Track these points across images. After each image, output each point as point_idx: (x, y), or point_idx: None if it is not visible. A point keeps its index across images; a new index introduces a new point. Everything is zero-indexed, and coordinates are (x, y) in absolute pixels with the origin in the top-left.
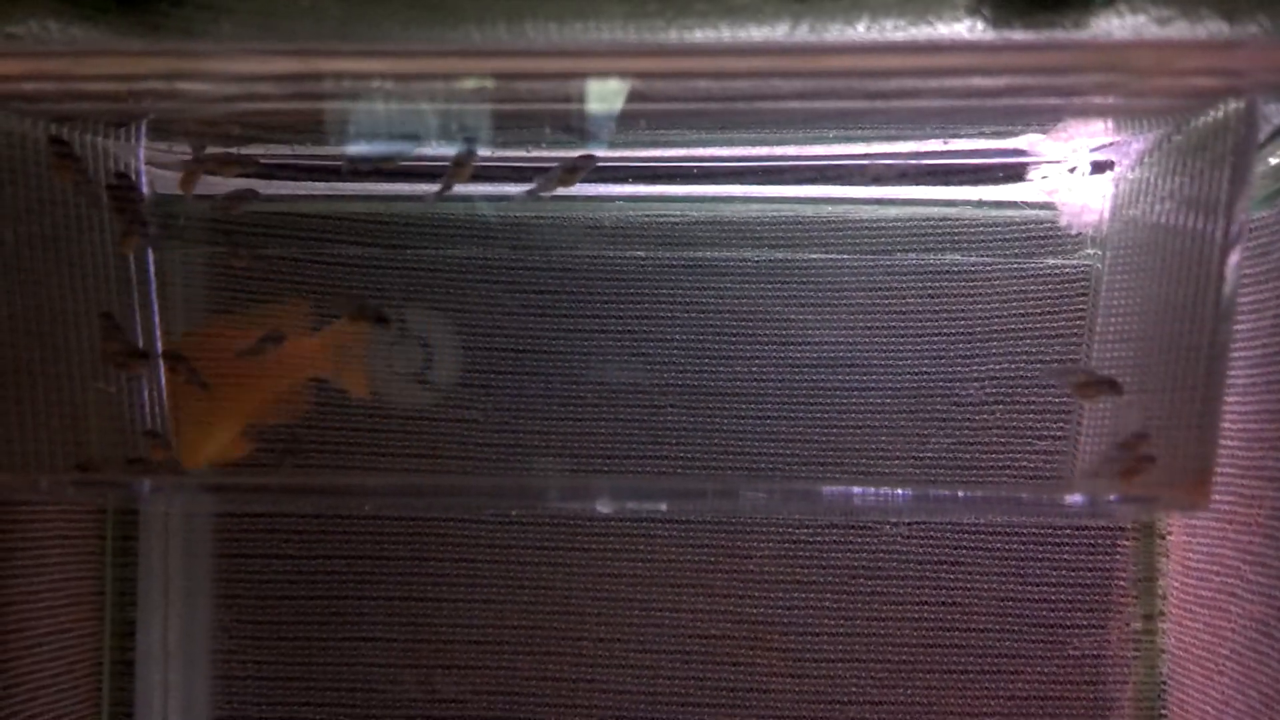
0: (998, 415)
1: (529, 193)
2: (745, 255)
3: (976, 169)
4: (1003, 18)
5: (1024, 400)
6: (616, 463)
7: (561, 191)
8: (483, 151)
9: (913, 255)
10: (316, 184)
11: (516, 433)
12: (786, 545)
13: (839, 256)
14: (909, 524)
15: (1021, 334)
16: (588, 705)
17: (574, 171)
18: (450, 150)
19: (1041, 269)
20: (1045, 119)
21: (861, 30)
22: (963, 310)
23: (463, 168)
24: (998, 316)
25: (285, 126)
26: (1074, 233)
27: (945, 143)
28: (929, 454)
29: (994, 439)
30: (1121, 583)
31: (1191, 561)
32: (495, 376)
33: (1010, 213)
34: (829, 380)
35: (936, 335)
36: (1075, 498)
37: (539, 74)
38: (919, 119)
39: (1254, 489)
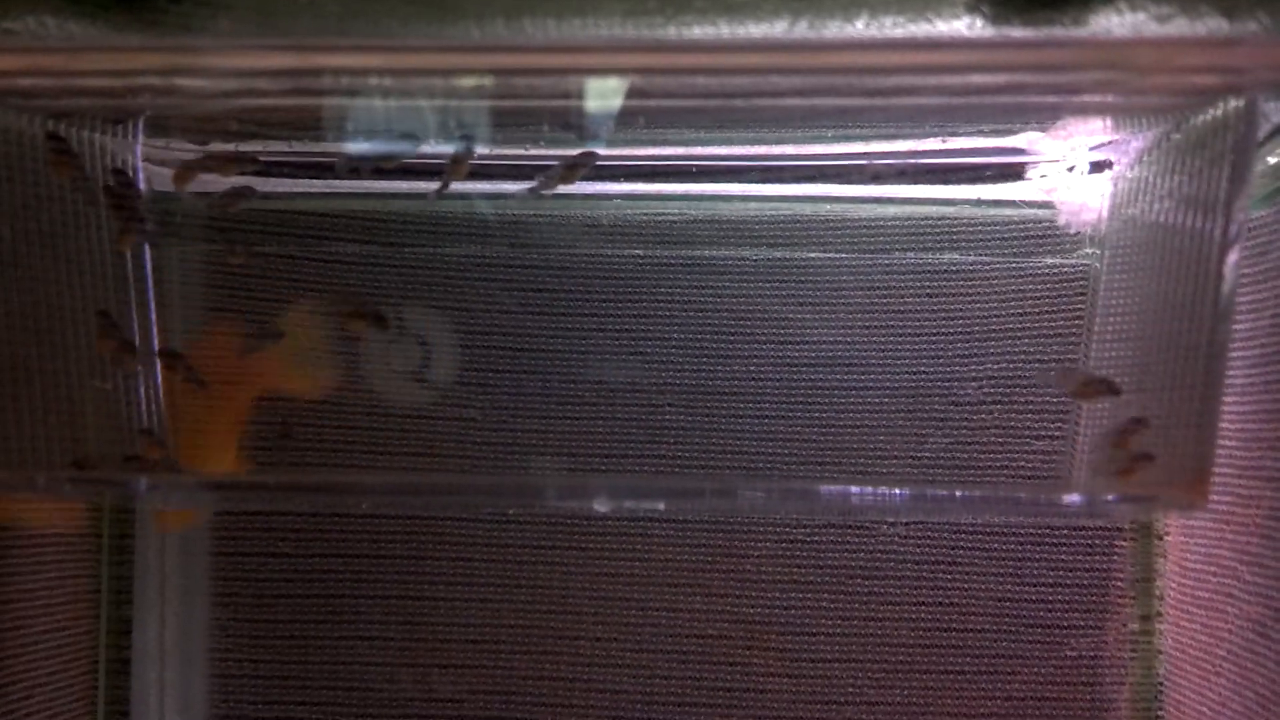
0: (996, 415)
1: (531, 191)
2: (743, 254)
3: (975, 168)
4: (1002, 15)
5: (1022, 400)
6: (614, 461)
7: (560, 190)
8: (481, 149)
9: (911, 254)
10: (314, 181)
11: (514, 431)
12: (784, 545)
13: (837, 255)
14: (906, 524)
15: (1020, 333)
16: (584, 705)
17: (575, 169)
18: (448, 148)
19: (1040, 268)
20: (1044, 117)
21: (860, 27)
22: (961, 309)
23: (460, 165)
24: (996, 315)
25: (283, 123)
26: (1073, 231)
27: (944, 141)
28: (927, 453)
29: (992, 438)
30: (1119, 583)
31: (1189, 562)
32: (493, 375)
33: (1009, 211)
34: (827, 379)
35: (935, 334)
36: (1073, 498)
37: (537, 70)
38: (918, 117)
39: (1252, 490)
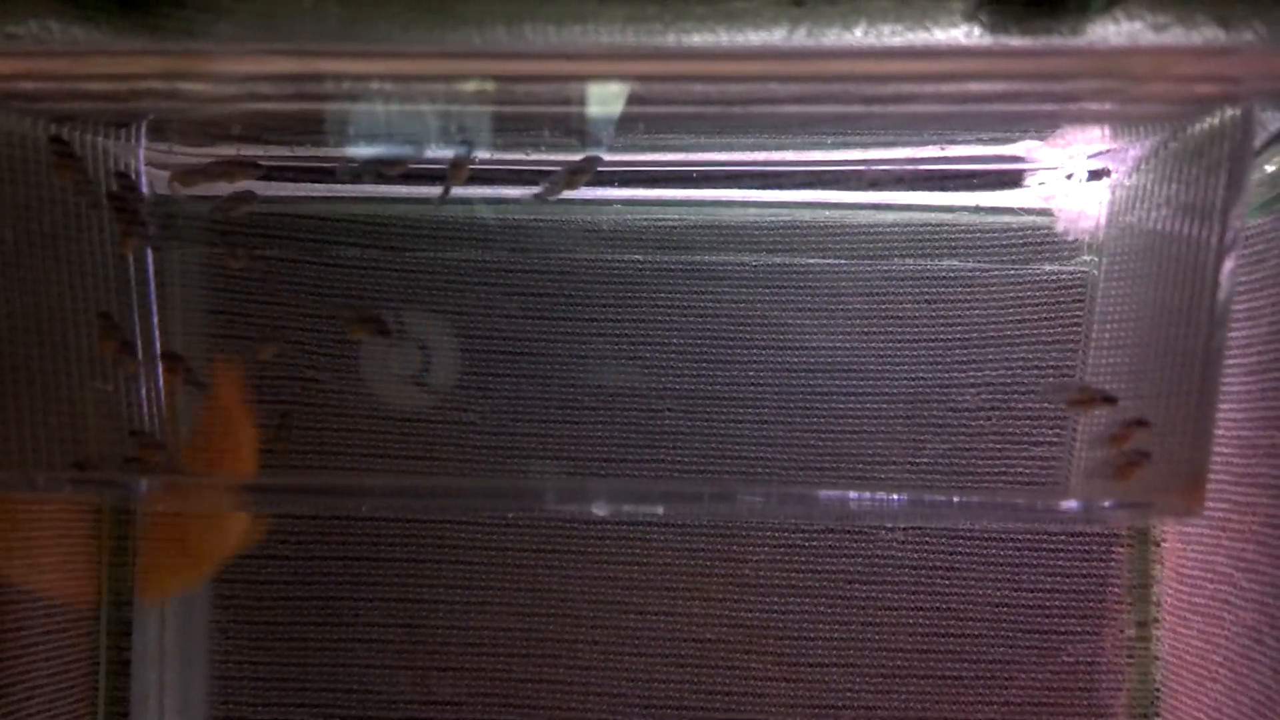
0: (994, 421)
1: (536, 196)
2: (743, 260)
3: (974, 175)
4: (1000, 24)
5: (1020, 406)
6: (613, 465)
7: (560, 195)
8: (482, 154)
9: (910, 260)
10: (316, 185)
11: (514, 435)
12: (782, 550)
13: (836, 261)
14: (904, 529)
15: (1018, 339)
16: (582, 708)
17: (579, 174)
18: (449, 153)
19: (1038, 275)
20: (1042, 125)
21: (859, 35)
22: (959, 316)
23: (460, 169)
24: (994, 322)
25: (285, 128)
26: (1070, 239)
27: (942, 148)
28: (925, 459)
29: (990, 444)
30: (1116, 589)
31: (1185, 569)
32: (493, 379)
33: (1007, 219)
34: (825, 384)
35: (933, 340)
36: (1070, 504)
37: (538, 76)
38: (916, 124)
39: (1248, 497)
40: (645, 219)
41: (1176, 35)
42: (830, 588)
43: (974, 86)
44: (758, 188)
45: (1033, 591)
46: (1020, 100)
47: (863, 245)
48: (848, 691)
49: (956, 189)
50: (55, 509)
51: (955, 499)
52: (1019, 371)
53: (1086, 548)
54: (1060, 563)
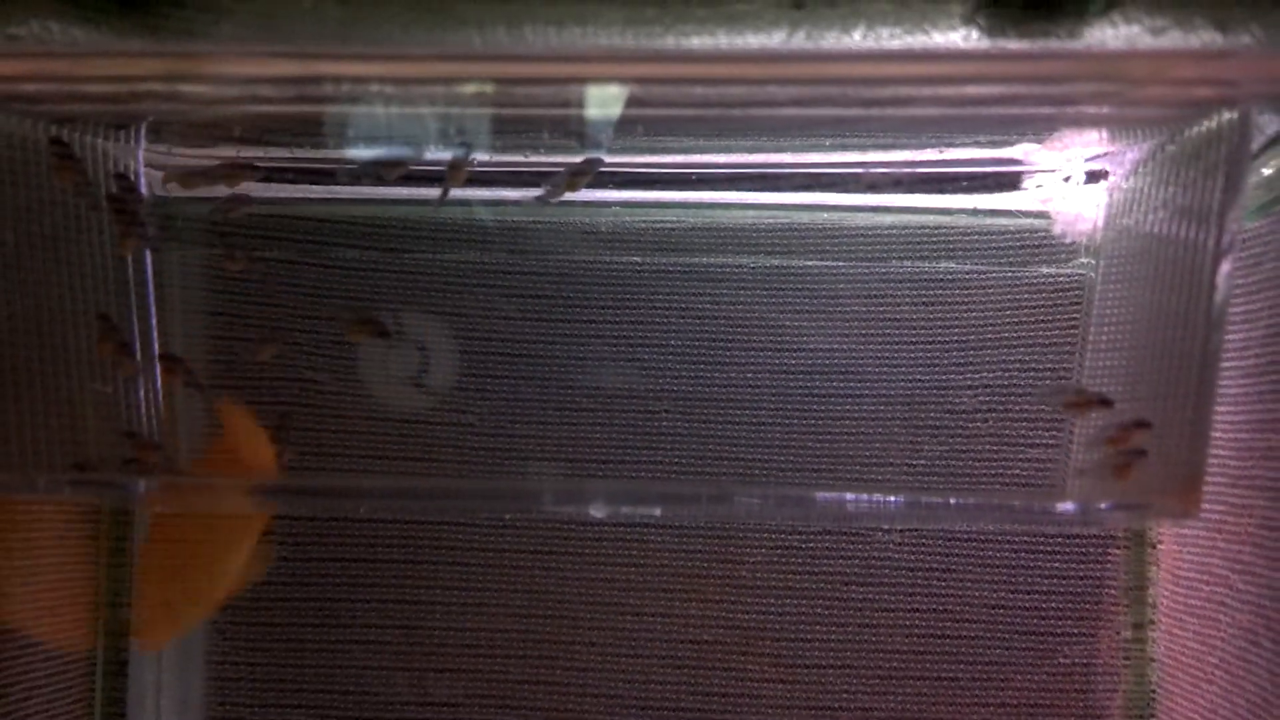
0: (991, 423)
1: (539, 199)
2: (741, 261)
3: (972, 177)
4: (998, 27)
5: (1017, 408)
6: (611, 467)
7: (562, 197)
8: (482, 156)
9: (908, 263)
10: (315, 187)
11: (512, 436)
12: (779, 551)
13: (834, 264)
14: (901, 531)
15: (1015, 342)
16: (580, 709)
17: (581, 175)
18: (448, 154)
19: (1036, 278)
20: (1040, 128)
21: (858, 38)
22: (957, 318)
23: (458, 171)
24: (992, 324)
25: (285, 129)
26: (1068, 241)
27: (941, 151)
28: (922, 461)
29: (986, 446)
30: (1112, 591)
31: (1181, 571)
32: (491, 380)
33: (1005, 221)
34: (823, 386)
35: (930, 342)
36: (1067, 506)
37: (537, 79)
38: (915, 127)
39: (1244, 499)
40: (644, 221)
41: (1174, 39)
42: (827, 589)
43: (972, 90)
44: (756, 190)
45: (1029, 593)
46: (1018, 103)
47: (861, 248)
48: (844, 693)
49: (954, 192)
50: (54, 510)
51: (952, 501)
52: (1016, 374)
53: (1083, 550)
54: (1056, 565)
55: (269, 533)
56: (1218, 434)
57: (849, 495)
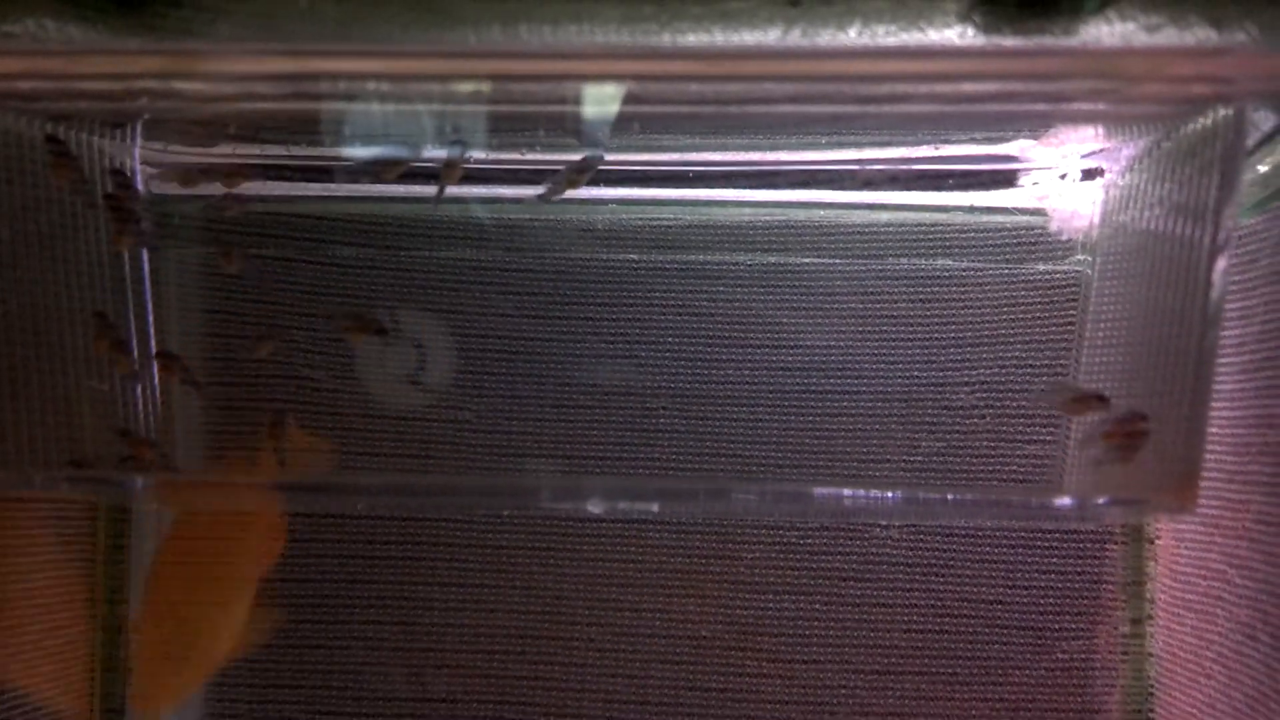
0: (987, 419)
1: (540, 197)
2: (737, 259)
3: (967, 174)
4: (993, 24)
5: (1013, 405)
6: (608, 464)
7: (562, 195)
8: (478, 154)
9: (904, 260)
10: (311, 185)
11: (509, 433)
12: (777, 548)
13: (830, 261)
14: (898, 527)
15: (1012, 339)
16: (577, 705)
17: (581, 173)
18: (444, 152)
19: (1032, 274)
20: (1036, 125)
21: (853, 35)
22: (953, 315)
23: (454, 169)
24: (988, 321)
25: (281, 127)
26: (1064, 238)
27: (936, 148)
28: (919, 458)
29: (983, 443)
30: (1110, 587)
31: (1179, 566)
32: (488, 377)
33: (1001, 218)
34: (820, 384)
35: (927, 339)
36: (1064, 501)
37: (533, 76)
38: (910, 124)
39: (1241, 495)
40: (640, 218)
41: (1169, 36)
42: (824, 585)
43: (968, 87)
44: (752, 187)
45: (1027, 589)
46: (1014, 100)
47: (857, 245)
48: (842, 689)
49: (950, 189)
50: (52, 509)
51: (949, 496)
52: (1013, 370)
53: (1080, 545)
54: (1054, 560)
55: (273, 595)
56: (1214, 430)
57: (846, 491)
